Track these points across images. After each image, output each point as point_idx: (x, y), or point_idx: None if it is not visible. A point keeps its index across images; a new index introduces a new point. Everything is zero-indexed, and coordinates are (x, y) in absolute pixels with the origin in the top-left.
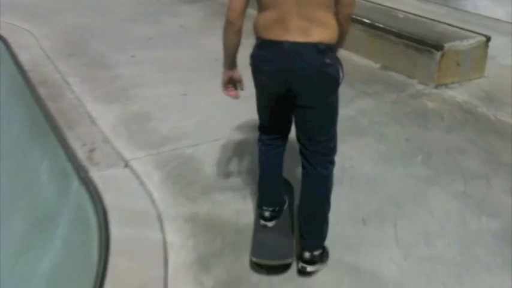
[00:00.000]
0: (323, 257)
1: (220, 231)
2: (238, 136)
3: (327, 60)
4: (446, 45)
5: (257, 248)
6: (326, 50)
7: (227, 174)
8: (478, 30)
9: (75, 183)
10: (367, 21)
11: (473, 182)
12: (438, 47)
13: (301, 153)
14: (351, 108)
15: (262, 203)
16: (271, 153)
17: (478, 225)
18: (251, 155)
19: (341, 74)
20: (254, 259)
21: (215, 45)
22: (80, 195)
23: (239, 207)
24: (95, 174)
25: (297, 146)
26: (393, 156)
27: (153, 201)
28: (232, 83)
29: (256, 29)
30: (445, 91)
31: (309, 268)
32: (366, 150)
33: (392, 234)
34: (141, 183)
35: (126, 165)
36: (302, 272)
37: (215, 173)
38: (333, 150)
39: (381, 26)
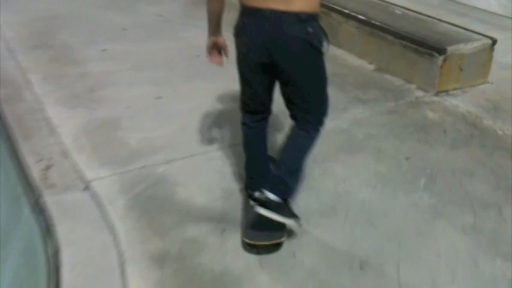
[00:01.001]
0: (281, 211)
1: (192, 278)
2: (218, 151)
3: (309, 29)
4: (450, 49)
5: (249, 228)
6: (308, 19)
7: (205, 200)
8: (474, 25)
9: (26, 210)
10: (361, 17)
11: (484, 212)
12: (440, 51)
13: (292, 117)
14: (344, 118)
15: (251, 186)
16: (256, 137)
17: (491, 270)
18: (233, 175)
19: (325, 44)
20: (247, 240)
21: (196, 38)
22: (30, 225)
23: (217, 245)
24: (49, 198)
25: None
26: (393, 179)
27: (115, 236)
28: (216, 49)
29: None
30: (446, 99)
31: (259, 209)
32: (362, 171)
33: (395, 280)
34: (103, 211)
35: (87, 187)
36: (254, 211)
37: (190, 199)
38: (321, 116)
39: (377, 23)
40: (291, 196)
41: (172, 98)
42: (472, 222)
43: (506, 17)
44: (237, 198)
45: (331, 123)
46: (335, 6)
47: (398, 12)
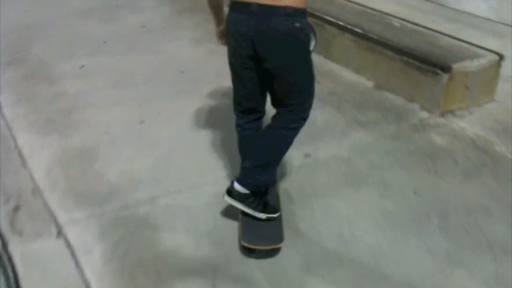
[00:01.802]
0: (247, 202)
1: None
2: (209, 185)
3: (297, 24)
4: (455, 66)
5: (247, 232)
6: (295, 14)
7: (193, 249)
8: (466, 31)
9: None
10: (357, 30)
11: (504, 258)
12: (445, 68)
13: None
14: (344, 144)
15: None
16: (250, 138)
17: None
18: (226, 214)
19: (313, 41)
20: (246, 244)
21: (180, 52)
22: None
23: None
24: (15, 248)
25: None
26: (402, 219)
27: None
28: (225, 37)
29: None
30: (453, 121)
31: (226, 197)
32: (368, 210)
33: None
34: (77, 265)
35: (60, 232)
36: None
37: (177, 247)
38: (304, 113)
39: (375, 37)
40: (261, 189)
41: (155, 121)
42: (493, 271)
43: (497, 22)
44: (230, 244)
45: (330, 150)
46: (329, 18)
47: (397, 24)
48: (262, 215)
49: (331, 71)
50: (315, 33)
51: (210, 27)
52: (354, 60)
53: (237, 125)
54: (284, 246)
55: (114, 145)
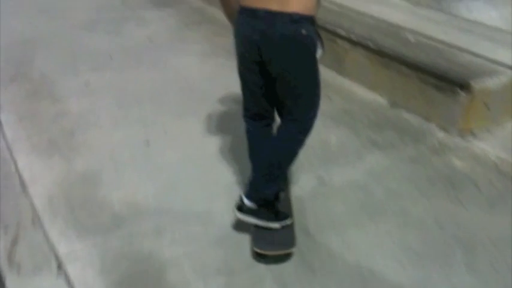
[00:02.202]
0: (258, 213)
1: None
2: (217, 213)
3: (303, 31)
4: (474, 84)
5: (259, 238)
6: (301, 20)
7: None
8: (480, 43)
9: None
10: (371, 45)
11: None
12: (464, 86)
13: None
14: (359, 168)
15: None
16: (260, 144)
17: None
18: (237, 247)
19: (320, 50)
20: (258, 250)
21: (188, 67)
22: None
23: None
24: (13, 285)
25: None
26: (424, 254)
27: None
28: None
29: None
30: (473, 143)
31: (238, 214)
32: (388, 244)
33: None
34: None
35: (59, 267)
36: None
37: (182, 285)
38: (308, 122)
39: (389, 52)
40: (268, 200)
41: (162, 143)
42: None
43: (510, 33)
44: (242, 283)
45: (345, 175)
46: (340, 32)
47: (412, 39)
48: (276, 225)
49: (344, 87)
50: (322, 42)
51: (218, 41)
52: (367, 76)
53: (247, 131)
54: (299, 285)
55: (118, 169)
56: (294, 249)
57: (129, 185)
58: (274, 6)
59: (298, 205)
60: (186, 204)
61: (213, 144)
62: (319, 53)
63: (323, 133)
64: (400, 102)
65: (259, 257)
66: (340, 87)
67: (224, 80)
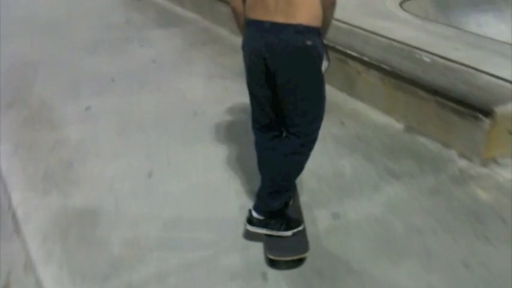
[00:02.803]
0: (268, 224)
1: None
2: (225, 254)
3: (308, 42)
4: (497, 110)
5: (273, 245)
6: (306, 32)
7: None
8: (493, 59)
9: None
10: (385, 67)
11: None
12: (487, 112)
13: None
14: (376, 200)
15: None
16: (268, 158)
17: None
18: None
19: (325, 62)
20: (273, 257)
21: (193, 90)
22: None
23: None
24: None
25: None
26: None
27: None
28: None
29: (246, 9)
30: (497, 171)
31: (248, 227)
32: (412, 287)
33: None
34: None
35: None
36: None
37: None
38: (308, 136)
39: (404, 75)
40: (277, 208)
41: (165, 174)
42: None
43: None
44: None
45: (361, 209)
46: (352, 53)
47: (427, 59)
48: (288, 233)
49: (356, 111)
50: (328, 54)
51: (224, 61)
52: (381, 99)
53: (255, 143)
54: None
55: (118, 205)
56: (307, 254)
57: (129, 222)
58: (280, 19)
59: (312, 244)
60: (191, 244)
61: (219, 173)
62: (324, 64)
63: (337, 162)
64: (416, 127)
65: (273, 263)
66: (353, 111)
67: (230, 103)
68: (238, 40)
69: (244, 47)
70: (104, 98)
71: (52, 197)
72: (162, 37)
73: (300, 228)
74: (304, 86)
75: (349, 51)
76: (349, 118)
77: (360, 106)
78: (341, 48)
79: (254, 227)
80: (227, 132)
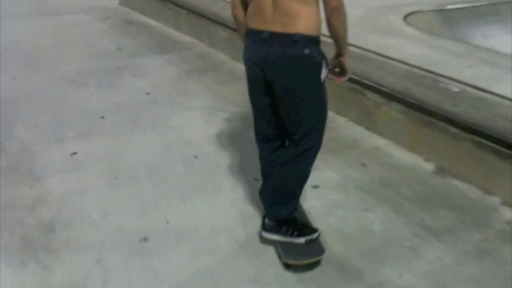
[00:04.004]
0: (280, 230)
1: None
2: None
3: (305, 51)
4: None
5: (288, 250)
6: (303, 41)
7: None
8: (510, 77)
9: None
10: (408, 99)
11: None
12: None
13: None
14: (415, 268)
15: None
16: (271, 168)
17: None
18: None
19: (324, 70)
20: (289, 262)
21: (192, 128)
22: None
23: None
24: None
25: None
26: None
27: None
28: None
29: (246, 18)
30: None
31: (263, 233)
32: None
33: None
34: None
35: None
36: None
37: None
38: (308, 143)
39: (432, 109)
40: (285, 217)
41: (162, 237)
42: None
43: None
44: None
45: (400, 280)
46: (369, 83)
47: (455, 89)
48: (302, 240)
49: (377, 149)
50: (327, 62)
51: (223, 92)
52: (405, 135)
53: (260, 157)
54: None
55: (107, 281)
56: (322, 257)
57: None
58: (278, 28)
59: None
60: None
61: (224, 238)
62: (324, 72)
63: (362, 216)
64: (449, 168)
65: (289, 267)
66: (373, 149)
67: (234, 142)
68: (238, 66)
69: (244, 57)
70: (92, 141)
71: (29, 272)
72: (157, 65)
73: (314, 236)
74: (302, 95)
75: (365, 81)
76: (370, 158)
77: (381, 142)
78: (356, 78)
79: (268, 233)
80: (233, 180)
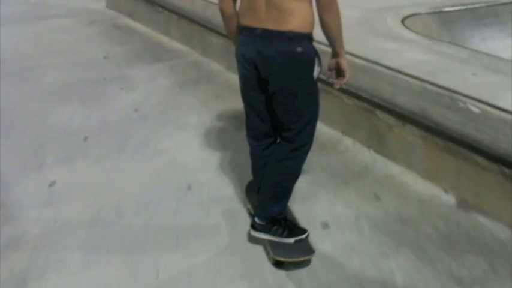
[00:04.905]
0: (270, 230)
1: None
2: None
3: (298, 49)
4: None
5: (277, 247)
6: (296, 38)
7: None
8: None
9: None
10: (425, 122)
11: None
12: None
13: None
14: None
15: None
16: (263, 165)
17: None
18: None
19: (317, 66)
20: (278, 258)
21: (185, 151)
22: None
23: None
24: None
25: None
26: None
27: None
28: None
29: (239, 15)
30: None
31: (252, 232)
32: None
33: None
34: None
35: None
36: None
37: None
38: (300, 140)
39: (454, 134)
40: (276, 216)
41: None
42: None
43: None
44: None
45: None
46: (381, 102)
47: (476, 110)
48: (291, 240)
49: (391, 177)
50: (319, 59)
51: (218, 107)
52: (422, 161)
53: (251, 154)
54: None
55: None
56: (312, 256)
57: None
58: (271, 25)
59: None
60: None
61: None
62: (316, 70)
63: (382, 263)
64: (473, 202)
65: (278, 265)
66: (386, 177)
67: (232, 168)
68: (234, 77)
69: (237, 54)
70: (73, 167)
71: None
72: (146, 76)
73: (303, 236)
74: (295, 92)
75: (376, 100)
76: (383, 188)
77: (394, 169)
78: (365, 96)
79: (257, 232)
80: (233, 222)
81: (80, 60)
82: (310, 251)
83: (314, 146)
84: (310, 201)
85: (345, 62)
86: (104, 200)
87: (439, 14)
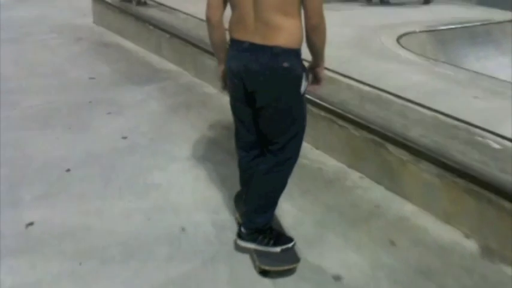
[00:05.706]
0: (256, 239)
1: None
2: None
3: (285, 64)
4: None
5: (263, 256)
6: (283, 54)
7: None
8: None
9: None
10: (443, 160)
11: None
12: None
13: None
14: None
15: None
16: (250, 176)
17: None
18: None
19: (305, 81)
20: (264, 267)
21: (178, 187)
22: None
23: None
24: None
25: None
26: None
27: None
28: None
29: (228, 28)
30: None
31: (238, 241)
32: None
33: None
34: None
35: None
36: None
37: None
38: (285, 153)
39: (475, 174)
40: (261, 226)
41: None
42: None
43: None
44: None
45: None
46: (392, 135)
47: (496, 145)
48: (277, 249)
49: (406, 219)
50: (307, 75)
51: (213, 135)
52: (440, 202)
53: (239, 164)
54: None
55: None
56: (297, 265)
57: None
58: (258, 40)
59: None
60: None
61: None
62: (304, 84)
63: None
64: (497, 249)
65: (264, 274)
66: (401, 219)
67: (226, 205)
68: (229, 101)
69: (227, 65)
70: (53, 205)
71: None
72: (135, 99)
73: (290, 245)
74: (282, 107)
75: (387, 133)
76: (398, 232)
77: (409, 210)
78: (376, 128)
79: (244, 242)
80: (230, 270)
81: (63, 82)
82: (295, 259)
83: (319, 182)
84: (318, 247)
85: (323, 72)
86: (86, 247)
87: (434, 33)
